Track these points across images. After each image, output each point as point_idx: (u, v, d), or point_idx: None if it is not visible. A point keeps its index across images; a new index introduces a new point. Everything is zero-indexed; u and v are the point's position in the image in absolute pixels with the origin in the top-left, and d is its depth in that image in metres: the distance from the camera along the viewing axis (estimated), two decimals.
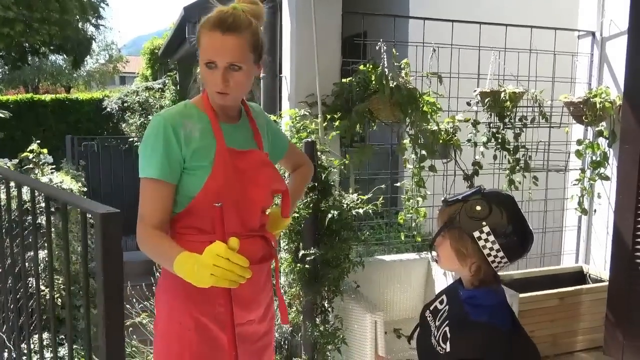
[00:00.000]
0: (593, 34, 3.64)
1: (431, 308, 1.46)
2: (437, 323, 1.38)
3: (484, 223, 1.25)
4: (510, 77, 3.41)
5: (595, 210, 3.64)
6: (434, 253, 1.39)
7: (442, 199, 1.39)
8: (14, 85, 21.20)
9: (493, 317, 1.27)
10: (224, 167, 1.42)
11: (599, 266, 3.63)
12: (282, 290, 2.80)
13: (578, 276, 3.64)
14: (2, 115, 3.72)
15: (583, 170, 3.62)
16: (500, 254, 1.26)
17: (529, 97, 3.34)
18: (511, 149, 3.33)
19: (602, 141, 3.52)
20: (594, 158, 3.52)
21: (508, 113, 3.28)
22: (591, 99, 3.36)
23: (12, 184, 1.56)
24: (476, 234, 1.25)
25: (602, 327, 3.20)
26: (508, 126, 3.32)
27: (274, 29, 3.19)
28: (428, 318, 1.45)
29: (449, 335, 1.28)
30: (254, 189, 1.48)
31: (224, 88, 1.40)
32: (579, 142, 3.58)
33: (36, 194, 1.50)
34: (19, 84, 21.24)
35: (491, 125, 3.33)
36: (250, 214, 1.49)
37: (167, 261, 1.33)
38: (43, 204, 1.32)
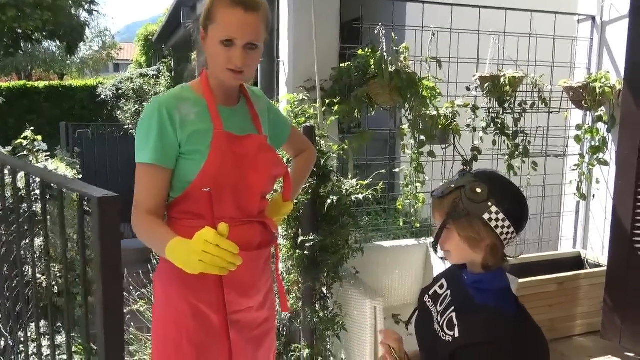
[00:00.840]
0: (593, 18, 3.60)
1: (430, 293, 1.44)
2: (440, 308, 1.36)
3: (489, 203, 1.23)
4: (510, 61, 3.38)
5: (593, 196, 3.64)
6: (440, 252, 1.34)
7: (432, 193, 1.35)
8: (6, 73, 20.97)
9: (499, 301, 1.26)
10: (221, 152, 1.40)
11: (597, 251, 3.63)
12: (281, 277, 2.79)
13: (576, 261, 3.64)
14: None
15: (582, 156, 3.61)
16: (511, 228, 1.25)
17: (528, 82, 3.31)
18: (510, 134, 3.31)
19: (602, 126, 3.51)
20: (592, 143, 3.51)
21: (507, 98, 3.25)
22: (591, 84, 3.34)
23: (6, 170, 1.52)
24: (486, 215, 1.23)
25: (600, 311, 3.21)
26: (507, 111, 3.30)
27: (271, 12, 3.13)
28: (428, 303, 1.42)
29: (455, 321, 1.26)
30: (252, 173, 1.45)
31: (243, 66, 1.38)
32: (578, 127, 3.57)
33: (32, 179, 1.46)
34: (12, 71, 21.00)
35: (490, 110, 3.31)
36: (248, 200, 1.47)
37: (160, 247, 1.31)
38: (38, 191, 1.29)
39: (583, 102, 3.37)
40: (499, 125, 3.29)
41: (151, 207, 1.37)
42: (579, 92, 3.38)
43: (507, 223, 1.24)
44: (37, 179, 1.35)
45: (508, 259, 1.31)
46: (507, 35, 3.37)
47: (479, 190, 1.24)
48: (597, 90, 3.30)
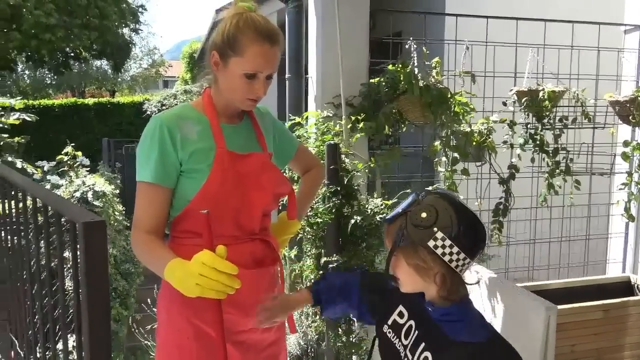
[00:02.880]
0: None
1: (389, 322, 1.32)
2: (406, 342, 1.25)
3: (434, 229, 1.12)
4: (550, 75, 3.23)
5: None
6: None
7: (383, 218, 1.26)
8: (61, 90, 21.98)
9: (474, 334, 1.16)
10: (222, 171, 1.37)
11: None
12: None
13: (625, 287, 3.40)
14: (29, 119, 3.79)
15: (630, 174, 3.39)
16: (461, 255, 1.13)
17: (570, 96, 3.15)
18: (550, 151, 3.14)
19: None
20: None
21: (547, 113, 3.09)
22: (639, 98, 3.14)
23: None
24: (431, 243, 1.12)
25: None
26: (547, 127, 3.13)
27: (299, 28, 3.12)
28: (388, 334, 1.31)
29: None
30: (255, 192, 1.42)
31: (262, 95, 1.40)
32: (626, 144, 3.35)
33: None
34: (66, 88, 22.01)
35: (529, 126, 3.16)
36: (249, 218, 1.43)
37: (159, 268, 1.28)
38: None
39: (630, 117, 3.17)
40: (538, 142, 3.12)
41: (151, 226, 1.35)
42: (626, 106, 3.18)
43: (455, 249, 1.12)
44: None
45: (468, 285, 1.20)
46: (546, 47, 3.22)
47: (424, 215, 1.13)
48: None
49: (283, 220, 1.60)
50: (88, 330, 0.94)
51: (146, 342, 3.16)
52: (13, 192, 1.54)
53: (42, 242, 1.47)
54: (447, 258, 1.13)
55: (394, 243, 1.18)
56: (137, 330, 3.31)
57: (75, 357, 1.16)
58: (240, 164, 1.40)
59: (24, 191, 1.42)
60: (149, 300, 3.27)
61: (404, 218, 1.16)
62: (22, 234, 1.52)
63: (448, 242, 1.12)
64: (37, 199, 1.33)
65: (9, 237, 1.71)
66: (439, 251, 1.12)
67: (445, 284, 1.16)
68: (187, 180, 1.38)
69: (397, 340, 1.28)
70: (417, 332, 1.23)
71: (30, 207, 1.37)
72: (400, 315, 1.30)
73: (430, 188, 1.23)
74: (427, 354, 1.17)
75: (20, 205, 1.44)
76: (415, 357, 1.20)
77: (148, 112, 11.40)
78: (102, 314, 0.94)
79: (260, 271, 1.46)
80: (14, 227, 1.61)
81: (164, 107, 11.02)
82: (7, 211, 1.66)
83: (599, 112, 3.34)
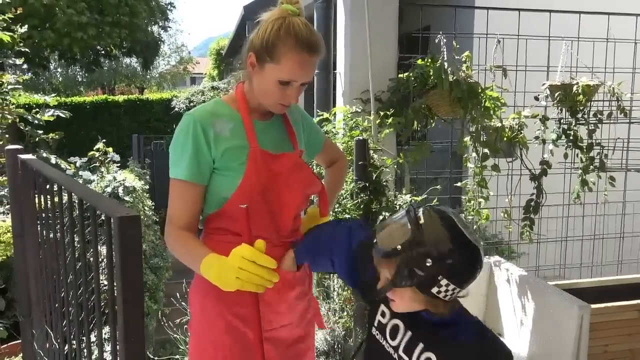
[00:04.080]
0: None
1: (375, 324, 1.28)
2: (394, 343, 1.21)
3: (439, 277, 1.07)
4: (584, 68, 3.15)
5: None
6: (391, 302, 1.18)
7: (375, 244, 1.15)
8: (92, 87, 22.44)
9: (476, 335, 1.14)
10: (256, 170, 1.36)
11: None
12: (335, 294, 2.72)
13: None
14: (63, 115, 3.87)
15: None
16: (460, 291, 1.10)
17: (605, 90, 3.06)
18: (584, 147, 3.06)
19: None
20: None
21: (581, 108, 3.02)
22: None
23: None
24: (435, 290, 1.08)
25: None
26: (581, 122, 3.06)
27: (328, 24, 3.11)
28: (376, 336, 1.27)
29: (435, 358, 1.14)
30: (286, 192, 1.41)
31: (295, 102, 1.40)
32: None
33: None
34: (97, 85, 22.45)
35: (562, 121, 3.08)
36: (283, 218, 1.43)
37: (194, 263, 1.30)
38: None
39: None
40: (571, 137, 3.05)
41: (185, 222, 1.36)
42: None
43: (457, 290, 1.10)
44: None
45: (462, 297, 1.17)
46: (581, 40, 3.14)
47: (429, 261, 1.06)
48: None
49: (313, 215, 1.59)
50: (123, 324, 0.95)
51: (175, 335, 3.20)
52: (48, 186, 1.58)
53: (75, 235, 1.50)
54: (447, 298, 1.10)
55: (394, 281, 1.11)
56: (166, 324, 3.35)
57: (110, 349, 1.18)
58: (272, 164, 1.40)
59: (60, 186, 1.45)
60: (177, 294, 3.32)
61: (404, 258, 1.08)
62: (58, 227, 1.55)
63: (451, 287, 1.08)
64: (73, 194, 1.36)
65: (44, 231, 1.75)
66: (442, 295, 1.09)
67: (443, 308, 1.14)
68: (221, 177, 1.38)
69: (384, 341, 1.25)
70: (409, 332, 1.20)
71: (66, 201, 1.40)
72: (382, 314, 1.27)
73: (430, 206, 1.14)
74: (430, 354, 1.15)
75: (56, 199, 1.47)
76: (415, 357, 1.17)
77: (176, 109, 11.55)
78: (136, 307, 0.96)
79: (292, 272, 1.46)
80: (50, 221, 1.65)
81: (191, 104, 11.15)
82: (42, 205, 1.70)
83: (635, 106, 3.24)
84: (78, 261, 1.54)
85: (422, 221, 1.09)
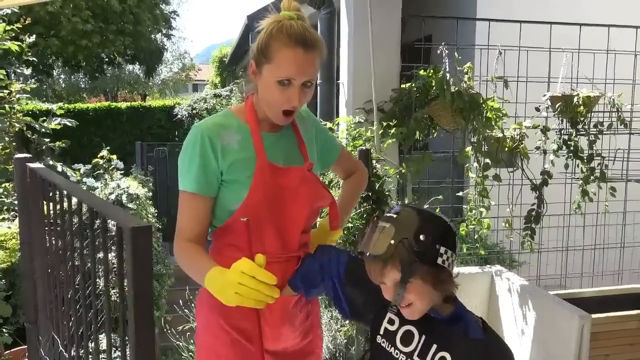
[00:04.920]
0: None
1: (381, 332, 1.31)
2: (407, 349, 1.25)
3: (437, 246, 1.17)
4: (585, 80, 3.18)
5: None
6: (405, 310, 1.22)
7: (363, 254, 1.22)
8: (95, 94, 22.52)
9: (482, 330, 1.22)
10: (263, 183, 1.35)
11: None
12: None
13: None
14: (70, 124, 3.91)
15: None
16: (454, 255, 1.21)
17: (605, 101, 3.09)
18: (585, 158, 3.09)
19: None
20: None
21: (582, 119, 3.05)
22: None
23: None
24: (439, 260, 1.17)
25: None
26: (581, 133, 3.08)
27: (331, 34, 3.15)
28: (382, 344, 1.29)
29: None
30: (294, 206, 1.40)
31: (298, 105, 1.35)
32: None
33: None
34: (100, 92, 22.53)
35: (562, 131, 3.11)
36: (290, 233, 1.42)
37: (199, 276, 1.29)
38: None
39: None
40: (572, 148, 3.08)
41: (193, 235, 1.36)
42: None
43: (454, 255, 1.20)
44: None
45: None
46: (581, 52, 3.18)
47: (422, 236, 1.17)
48: None
49: (324, 228, 1.58)
50: (134, 331, 0.97)
51: (178, 342, 3.21)
52: (58, 196, 1.60)
53: (77, 242, 1.52)
54: (451, 267, 1.19)
55: (405, 273, 1.17)
56: (168, 331, 3.37)
57: (120, 355, 1.21)
58: (280, 177, 1.38)
59: (69, 195, 1.47)
60: (180, 301, 3.33)
61: (402, 247, 1.16)
62: (67, 235, 1.57)
63: (449, 252, 1.19)
64: (82, 202, 1.38)
65: (53, 238, 1.78)
66: (446, 264, 1.18)
67: (452, 286, 1.22)
68: (227, 190, 1.38)
69: (393, 348, 1.27)
70: (423, 336, 1.24)
71: (75, 209, 1.42)
72: (391, 322, 1.30)
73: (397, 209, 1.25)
74: (444, 354, 1.20)
75: (65, 207, 1.50)
76: (429, 359, 1.21)
77: (179, 116, 11.59)
78: (146, 316, 0.98)
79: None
80: (58, 228, 1.67)
81: (194, 111, 11.19)
82: (50, 213, 1.72)
83: (635, 117, 3.27)
84: (90, 270, 1.56)
85: (395, 216, 1.21)
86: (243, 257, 1.21)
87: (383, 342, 1.30)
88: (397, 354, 1.26)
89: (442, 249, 1.17)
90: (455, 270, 1.23)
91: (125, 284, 1.09)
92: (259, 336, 1.27)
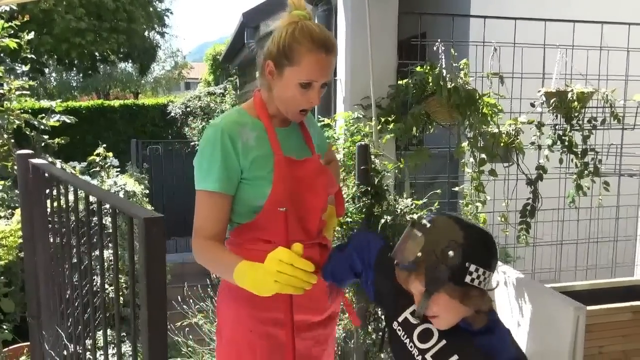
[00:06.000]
0: None
1: (400, 320, 1.30)
2: (423, 346, 1.23)
3: (466, 264, 1.12)
4: (579, 76, 3.22)
5: None
6: (432, 319, 1.20)
7: (395, 262, 1.21)
8: (87, 92, 22.39)
9: (507, 351, 1.18)
10: (282, 178, 1.39)
11: None
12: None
13: None
14: (69, 121, 3.92)
15: None
16: (489, 274, 1.15)
17: (599, 97, 3.14)
18: (579, 152, 3.14)
19: None
20: None
21: (576, 114, 3.09)
22: None
23: (71, 187, 1.61)
24: (467, 278, 1.13)
25: None
26: (576, 128, 3.13)
27: (328, 31, 3.16)
28: (398, 331, 1.30)
29: None
30: (312, 196, 1.44)
31: (317, 105, 1.42)
32: None
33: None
34: (91, 90, 22.40)
35: (557, 127, 3.16)
36: (311, 222, 1.46)
37: (227, 272, 1.31)
38: (108, 206, 1.34)
39: None
40: (566, 143, 3.12)
41: (213, 233, 1.37)
42: None
43: (487, 274, 1.15)
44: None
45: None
46: (575, 48, 3.22)
47: (450, 253, 1.12)
48: None
49: (331, 215, 1.60)
50: (147, 321, 0.99)
51: (176, 338, 3.23)
52: (63, 189, 1.62)
53: (85, 236, 1.54)
54: (482, 285, 1.15)
55: (429, 287, 1.15)
56: (167, 327, 3.39)
57: (130, 348, 1.23)
58: (297, 170, 1.42)
59: (75, 187, 1.49)
60: (179, 297, 3.35)
61: (430, 261, 1.13)
62: (73, 229, 1.59)
63: (481, 271, 1.14)
64: (90, 195, 1.40)
65: (58, 233, 1.79)
66: (475, 282, 1.14)
67: (483, 302, 1.17)
68: (250, 187, 1.40)
69: (408, 340, 1.27)
70: (444, 341, 1.22)
71: (84, 203, 1.44)
72: (414, 314, 1.27)
73: (430, 215, 1.23)
74: None
75: (71, 200, 1.51)
76: None
77: (172, 114, 11.56)
78: (160, 308, 1.00)
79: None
80: (64, 220, 1.68)
81: (188, 109, 11.16)
82: (54, 207, 1.74)
83: (628, 112, 3.31)
84: (91, 262, 1.58)
85: (428, 225, 1.16)
86: (279, 247, 1.23)
87: (399, 329, 1.30)
88: (411, 346, 1.26)
89: (473, 267, 1.12)
90: (494, 281, 1.20)
91: (135, 272, 1.11)
92: (291, 324, 1.30)
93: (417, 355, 1.24)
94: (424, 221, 1.18)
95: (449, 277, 1.13)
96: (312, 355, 1.55)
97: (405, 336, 1.28)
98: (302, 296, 1.42)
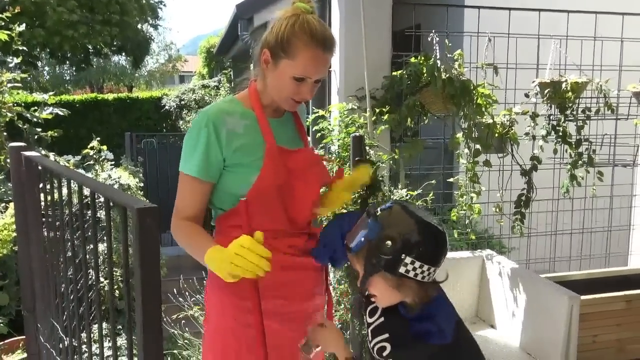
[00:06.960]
0: None
1: (366, 294, 1.35)
2: (370, 320, 1.33)
3: (402, 256, 1.16)
4: (573, 66, 3.23)
5: None
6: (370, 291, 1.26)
7: (348, 244, 1.26)
8: (80, 86, 22.26)
9: (440, 334, 1.21)
10: (274, 167, 1.39)
11: None
12: (331, 287, 2.76)
13: None
14: (62, 113, 3.89)
15: None
16: (429, 268, 1.18)
17: (593, 87, 3.14)
18: (573, 143, 3.15)
19: None
20: None
21: (570, 104, 3.10)
22: None
23: (64, 180, 1.60)
24: (402, 269, 1.17)
25: None
26: (570, 118, 3.14)
27: (329, 28, 3.15)
28: (364, 314, 1.38)
29: (389, 351, 1.23)
30: (303, 187, 1.44)
31: (309, 99, 1.42)
32: None
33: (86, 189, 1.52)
34: (85, 84, 22.27)
35: (551, 117, 3.16)
36: (300, 212, 1.46)
37: (199, 254, 1.33)
38: (102, 199, 1.34)
39: None
40: (560, 133, 3.13)
41: (190, 215, 1.40)
42: None
43: (425, 267, 1.17)
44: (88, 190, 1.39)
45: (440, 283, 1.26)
46: (569, 38, 3.22)
47: (388, 243, 1.16)
48: None
49: (338, 188, 1.57)
50: (142, 312, 0.99)
51: (173, 330, 3.24)
52: (55, 181, 1.61)
53: (78, 228, 1.53)
54: (419, 277, 1.18)
55: (365, 271, 1.22)
56: (163, 319, 3.39)
57: (126, 340, 1.22)
58: (288, 160, 1.43)
59: (68, 179, 1.48)
60: (175, 290, 3.35)
61: (368, 247, 1.19)
62: (67, 220, 1.58)
63: (418, 264, 1.16)
64: (83, 186, 1.39)
65: (52, 226, 1.79)
66: (411, 274, 1.17)
67: (420, 292, 1.22)
68: (232, 175, 1.41)
69: (365, 313, 1.35)
70: (382, 318, 1.29)
71: (77, 193, 1.43)
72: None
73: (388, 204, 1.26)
74: (386, 344, 1.25)
75: (64, 192, 1.51)
76: (373, 343, 1.27)
77: (166, 107, 11.53)
78: (155, 300, 1.00)
79: (306, 259, 1.50)
80: (57, 212, 1.68)
81: (182, 102, 11.14)
82: (48, 199, 1.73)
83: (622, 103, 3.33)
84: (85, 254, 1.57)
85: (379, 213, 1.22)
86: (242, 234, 1.26)
87: (365, 313, 1.38)
88: (364, 320, 1.35)
89: (408, 260, 1.16)
90: (442, 276, 1.23)
91: (130, 265, 1.10)
92: (259, 310, 1.34)
93: (366, 327, 1.34)
94: (379, 210, 1.23)
95: (384, 265, 1.18)
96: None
97: (364, 309, 1.37)
98: (298, 285, 1.42)
